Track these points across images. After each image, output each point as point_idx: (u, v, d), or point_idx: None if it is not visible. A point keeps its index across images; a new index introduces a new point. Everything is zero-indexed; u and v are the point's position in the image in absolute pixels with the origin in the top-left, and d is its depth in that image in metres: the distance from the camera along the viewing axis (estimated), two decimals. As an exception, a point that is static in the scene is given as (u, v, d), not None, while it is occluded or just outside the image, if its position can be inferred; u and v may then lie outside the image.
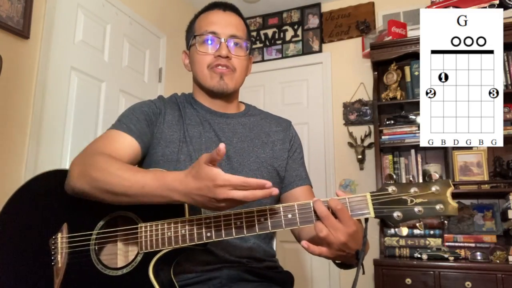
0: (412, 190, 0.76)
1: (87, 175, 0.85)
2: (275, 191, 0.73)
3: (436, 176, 0.75)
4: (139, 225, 0.85)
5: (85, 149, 0.97)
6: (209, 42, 1.07)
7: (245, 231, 0.79)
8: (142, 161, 1.07)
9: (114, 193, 0.82)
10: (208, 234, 0.80)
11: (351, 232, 0.75)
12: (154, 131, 1.04)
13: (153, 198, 0.79)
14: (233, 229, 0.79)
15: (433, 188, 0.75)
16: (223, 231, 0.79)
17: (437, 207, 0.74)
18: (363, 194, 0.77)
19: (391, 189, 0.76)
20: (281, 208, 0.79)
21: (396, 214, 0.75)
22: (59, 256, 0.89)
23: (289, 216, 0.78)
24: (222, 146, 0.72)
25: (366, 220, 0.79)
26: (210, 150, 1.02)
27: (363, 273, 0.78)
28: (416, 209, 0.75)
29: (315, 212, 0.77)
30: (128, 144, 0.98)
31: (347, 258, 0.81)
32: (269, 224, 0.78)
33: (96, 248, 0.87)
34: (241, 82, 1.13)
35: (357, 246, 0.78)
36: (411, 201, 0.75)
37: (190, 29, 1.16)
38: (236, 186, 0.71)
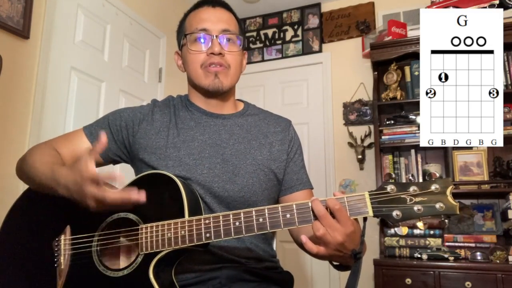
0: (412, 189, 0.75)
1: (22, 169, 0.99)
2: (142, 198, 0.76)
3: (436, 175, 0.75)
4: (139, 227, 0.85)
5: (48, 142, 1.08)
6: (201, 40, 1.04)
7: (244, 231, 0.79)
8: (135, 166, 1.08)
9: (34, 184, 0.94)
10: (207, 235, 0.80)
11: (348, 232, 0.75)
12: (136, 137, 1.04)
13: (53, 191, 0.85)
14: (232, 229, 0.79)
15: (433, 187, 0.74)
16: (222, 231, 0.79)
17: (437, 205, 0.73)
18: (361, 193, 0.77)
19: (390, 188, 0.76)
20: (279, 208, 0.79)
21: (395, 213, 0.75)
22: (62, 258, 0.89)
23: (288, 216, 0.78)
24: (102, 136, 0.79)
25: (365, 219, 0.78)
26: (203, 154, 1.01)
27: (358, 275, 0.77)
28: (415, 207, 0.74)
29: (313, 211, 0.77)
30: (84, 149, 1.04)
31: (344, 259, 0.81)
32: (268, 224, 0.78)
33: (98, 250, 0.88)
34: (237, 79, 1.10)
35: (354, 246, 0.77)
36: (411, 200, 0.75)
37: (180, 28, 1.13)
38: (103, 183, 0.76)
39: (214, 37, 1.03)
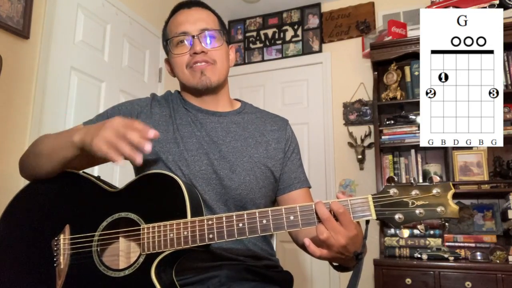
0: (413, 192, 0.76)
1: (26, 155, 1.00)
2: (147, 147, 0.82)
3: (437, 178, 0.76)
4: (141, 227, 0.84)
5: None
6: (182, 42, 1.06)
7: (247, 232, 0.79)
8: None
9: (42, 157, 0.94)
10: (211, 236, 0.80)
11: (351, 235, 0.76)
12: None
13: (66, 148, 0.90)
14: (235, 230, 0.79)
15: (434, 191, 0.75)
16: (225, 232, 0.79)
17: (438, 209, 0.75)
18: (364, 196, 0.77)
19: (392, 191, 0.77)
20: (283, 210, 0.79)
21: (397, 216, 0.76)
22: (61, 257, 0.89)
23: (291, 218, 0.78)
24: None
25: (367, 222, 0.79)
26: (201, 150, 1.02)
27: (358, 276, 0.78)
28: (417, 211, 0.75)
29: (316, 214, 0.77)
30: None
31: (345, 261, 0.82)
32: (271, 225, 0.78)
33: (99, 250, 0.87)
34: (225, 74, 1.11)
35: (356, 249, 0.78)
36: (412, 203, 0.76)
37: (164, 36, 1.16)
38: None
39: (194, 37, 1.05)
